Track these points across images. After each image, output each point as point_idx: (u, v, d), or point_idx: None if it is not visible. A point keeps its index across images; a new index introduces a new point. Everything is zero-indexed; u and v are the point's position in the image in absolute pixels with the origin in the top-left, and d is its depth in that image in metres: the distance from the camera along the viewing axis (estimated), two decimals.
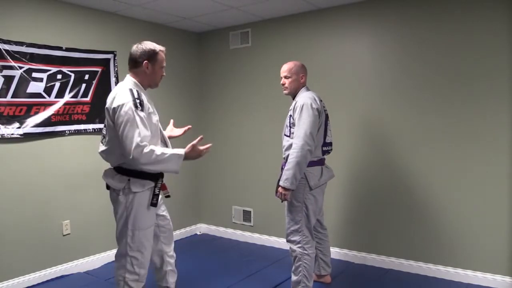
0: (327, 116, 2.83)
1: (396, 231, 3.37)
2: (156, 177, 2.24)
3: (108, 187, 2.28)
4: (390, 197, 3.39)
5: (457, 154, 3.09)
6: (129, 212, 2.20)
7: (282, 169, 2.85)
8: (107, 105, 2.16)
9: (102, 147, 2.27)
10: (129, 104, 2.07)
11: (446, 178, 3.14)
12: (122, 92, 2.13)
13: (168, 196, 2.48)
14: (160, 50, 2.25)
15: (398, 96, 3.32)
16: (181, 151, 2.17)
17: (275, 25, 3.94)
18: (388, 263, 3.40)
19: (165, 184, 2.40)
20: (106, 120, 2.20)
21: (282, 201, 2.72)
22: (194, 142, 2.20)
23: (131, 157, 2.03)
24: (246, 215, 4.24)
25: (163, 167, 2.13)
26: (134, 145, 2.01)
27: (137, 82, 2.23)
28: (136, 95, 2.11)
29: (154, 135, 2.20)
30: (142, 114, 2.09)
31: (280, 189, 2.65)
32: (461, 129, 3.07)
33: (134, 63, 2.23)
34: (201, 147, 2.23)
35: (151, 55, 2.21)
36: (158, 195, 2.24)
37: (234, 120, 4.29)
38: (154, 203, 2.24)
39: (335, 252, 3.64)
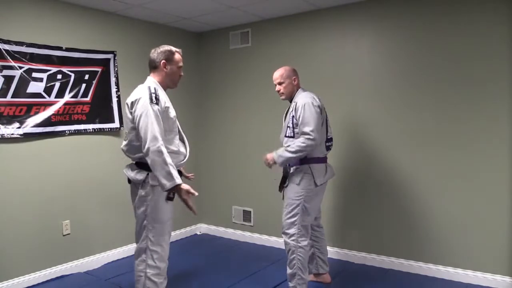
0: (326, 114, 2.90)
1: (396, 231, 3.37)
2: None
3: (129, 181, 2.37)
4: (390, 197, 3.39)
5: (457, 154, 3.09)
6: (148, 205, 2.27)
7: (288, 164, 2.86)
8: (127, 101, 2.33)
9: (124, 142, 2.39)
10: (145, 98, 2.20)
11: (446, 178, 3.14)
12: (141, 88, 2.30)
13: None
14: (176, 51, 2.39)
15: (397, 97, 3.32)
16: (179, 181, 2.14)
17: (275, 25, 3.94)
18: (388, 263, 3.40)
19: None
20: (125, 116, 2.37)
21: (269, 167, 2.83)
22: (195, 193, 2.18)
23: (146, 146, 2.12)
24: (246, 215, 4.24)
25: (158, 174, 2.13)
26: (150, 136, 2.12)
27: (156, 81, 2.37)
28: (152, 90, 2.25)
29: (171, 130, 2.34)
30: (156, 108, 2.20)
31: (269, 156, 2.76)
32: (462, 129, 3.06)
33: (153, 65, 2.38)
34: (189, 199, 2.19)
35: (168, 55, 2.36)
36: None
37: (234, 120, 4.29)
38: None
39: (335, 252, 3.64)
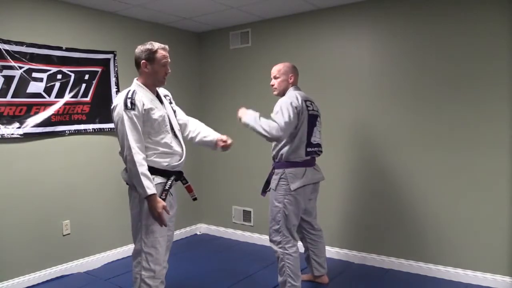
0: (314, 116, 2.78)
1: (396, 231, 3.37)
2: (168, 174, 2.29)
3: (127, 183, 2.34)
4: (390, 197, 3.39)
5: (457, 154, 3.09)
6: (142, 207, 2.23)
7: (272, 168, 2.84)
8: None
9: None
10: (120, 104, 2.17)
11: (446, 178, 3.14)
12: (121, 94, 2.25)
13: (195, 199, 2.52)
14: (159, 48, 2.26)
15: (397, 97, 3.32)
16: (152, 190, 2.13)
17: (275, 25, 3.94)
18: (388, 263, 3.40)
19: (191, 186, 2.47)
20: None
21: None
22: (161, 212, 2.17)
23: (124, 154, 2.16)
24: (246, 215, 4.24)
25: (134, 183, 2.16)
26: (126, 145, 2.14)
27: (140, 83, 2.30)
28: (129, 95, 2.19)
29: (158, 131, 2.27)
30: (131, 113, 2.15)
31: (240, 113, 2.68)
32: (462, 129, 3.06)
33: (136, 65, 2.31)
34: (162, 215, 2.17)
35: (149, 54, 2.25)
36: (167, 191, 2.27)
37: (234, 120, 4.27)
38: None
39: (335, 252, 3.64)
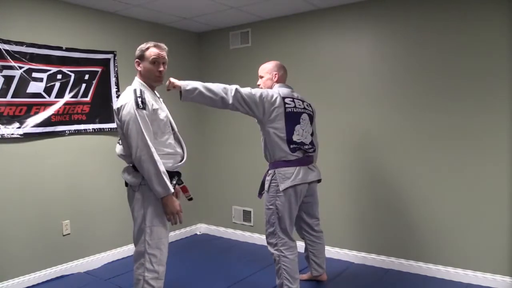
0: (295, 114, 2.70)
1: (396, 231, 3.37)
2: (171, 174, 2.28)
3: (126, 184, 2.32)
4: (390, 197, 3.39)
5: (456, 153, 3.09)
6: (146, 208, 2.22)
7: (267, 171, 2.80)
8: (114, 107, 2.26)
9: (119, 147, 2.32)
10: (130, 103, 2.13)
11: (446, 178, 3.14)
12: (126, 93, 2.22)
13: (191, 199, 2.50)
14: (151, 46, 2.25)
15: (398, 96, 3.32)
16: (172, 189, 2.16)
17: (275, 25, 3.94)
18: (388, 263, 3.40)
19: (186, 187, 2.46)
20: (116, 122, 2.28)
21: (167, 89, 2.49)
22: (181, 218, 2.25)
23: (137, 154, 2.11)
24: (246, 215, 4.24)
25: (152, 182, 2.13)
26: (141, 144, 2.10)
27: (142, 82, 2.29)
28: (138, 94, 2.16)
29: (163, 132, 2.26)
30: (143, 113, 2.13)
31: (175, 82, 2.42)
32: (462, 129, 3.06)
33: (135, 64, 2.30)
34: (179, 209, 2.24)
35: (140, 53, 2.26)
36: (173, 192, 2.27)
37: (233, 120, 4.28)
38: None
39: (335, 252, 3.64)
